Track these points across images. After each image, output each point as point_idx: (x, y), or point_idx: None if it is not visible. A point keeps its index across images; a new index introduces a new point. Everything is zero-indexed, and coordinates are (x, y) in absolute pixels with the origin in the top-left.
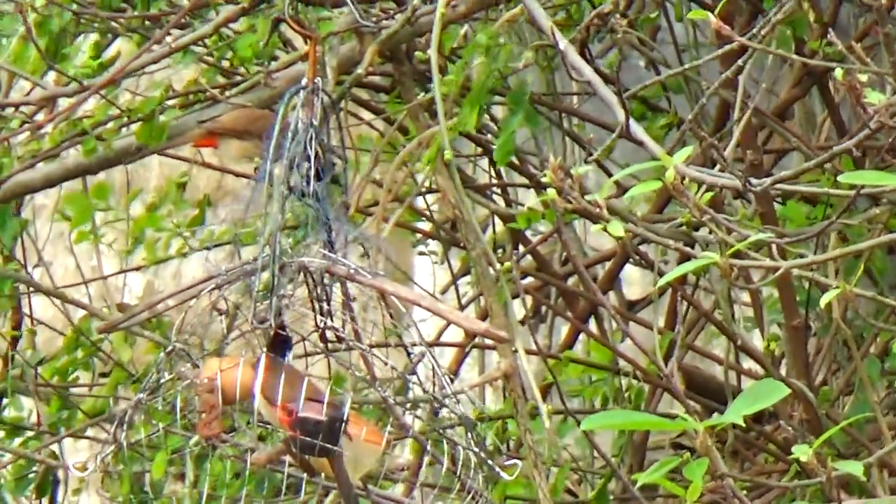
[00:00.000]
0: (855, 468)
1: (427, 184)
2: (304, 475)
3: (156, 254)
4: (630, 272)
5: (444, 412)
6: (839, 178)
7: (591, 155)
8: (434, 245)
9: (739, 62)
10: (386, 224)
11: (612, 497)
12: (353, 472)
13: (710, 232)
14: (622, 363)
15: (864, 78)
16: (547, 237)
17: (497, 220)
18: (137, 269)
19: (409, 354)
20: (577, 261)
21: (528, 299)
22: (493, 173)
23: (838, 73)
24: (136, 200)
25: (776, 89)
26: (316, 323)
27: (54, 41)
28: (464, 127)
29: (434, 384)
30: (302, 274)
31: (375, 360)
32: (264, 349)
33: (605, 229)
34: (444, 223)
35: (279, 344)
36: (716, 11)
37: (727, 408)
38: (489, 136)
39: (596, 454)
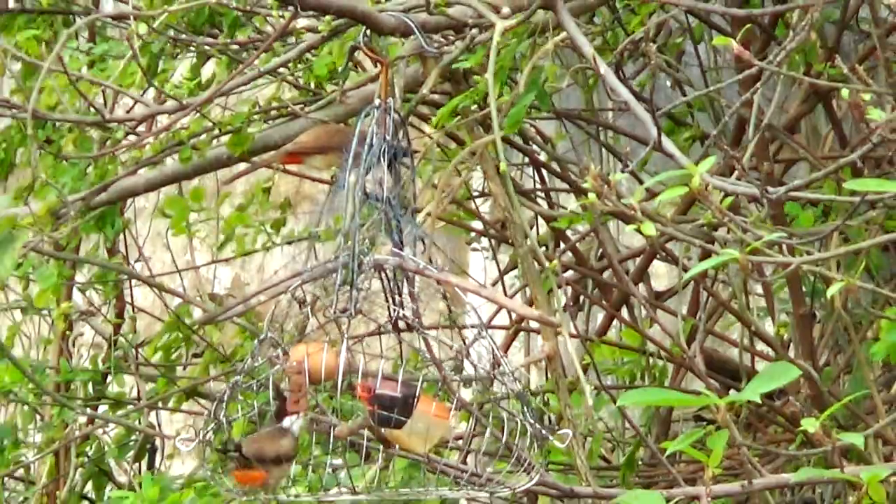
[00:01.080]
0: (856, 439)
1: (481, 188)
2: (381, 445)
3: (244, 247)
4: (657, 267)
5: (499, 388)
6: (845, 185)
7: (626, 165)
8: (486, 242)
9: (757, 85)
10: (439, 223)
11: (640, 463)
12: (423, 443)
13: (729, 232)
14: (651, 346)
15: (867, 97)
16: (585, 236)
17: (541, 220)
18: (226, 260)
19: (463, 340)
20: (612, 256)
21: (569, 290)
22: (537, 179)
23: (844, 92)
24: (225, 203)
25: (786, 106)
26: (389, 312)
27: (155, 62)
28: (517, 119)
29: (491, 363)
30: (376, 270)
31: (439, 344)
32: (346, 336)
33: (638, 229)
34: (495, 223)
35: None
36: (737, 38)
37: (742, 385)
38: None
39: (627, 425)
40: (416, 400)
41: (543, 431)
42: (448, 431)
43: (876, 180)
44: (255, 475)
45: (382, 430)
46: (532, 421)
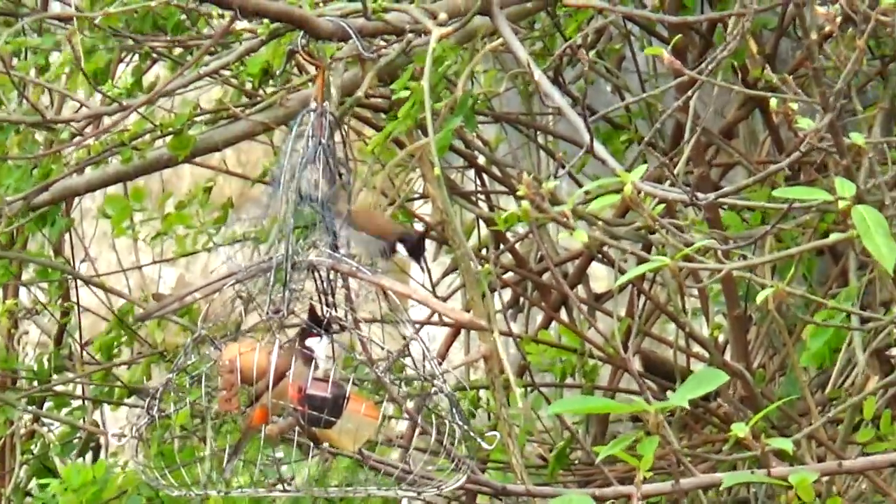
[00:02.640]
0: (785, 445)
1: (420, 190)
2: (311, 444)
3: (185, 247)
4: (597, 269)
5: (432, 390)
6: (774, 193)
7: (560, 168)
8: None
9: (689, 93)
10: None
11: (578, 462)
12: (353, 441)
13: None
14: (588, 346)
15: (795, 106)
16: (523, 238)
17: (481, 222)
18: (169, 260)
19: (404, 338)
20: (550, 259)
21: (508, 291)
22: (478, 182)
23: (773, 102)
24: (168, 203)
25: (723, 111)
26: (322, 313)
27: (104, 65)
28: (444, 144)
29: (424, 366)
30: (310, 270)
31: (374, 345)
32: (278, 336)
33: (572, 235)
34: (435, 225)
35: (304, 333)
36: (668, 48)
37: (677, 386)
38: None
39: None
40: (346, 400)
41: (472, 433)
42: (377, 430)
43: (804, 188)
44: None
45: (313, 429)
46: (461, 422)
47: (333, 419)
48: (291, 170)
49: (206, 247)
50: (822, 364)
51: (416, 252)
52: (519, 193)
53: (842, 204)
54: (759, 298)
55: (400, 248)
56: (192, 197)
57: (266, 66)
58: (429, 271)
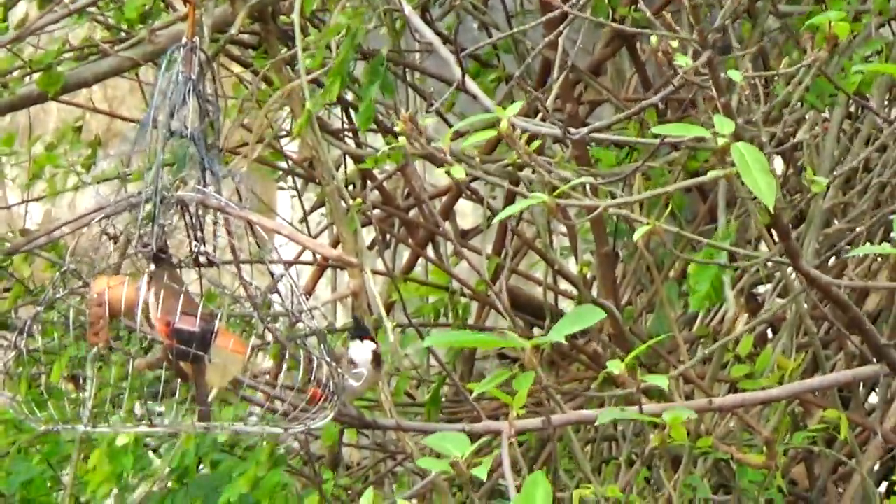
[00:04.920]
0: (661, 381)
1: (289, 127)
2: (179, 379)
3: (55, 188)
4: (463, 205)
5: (299, 325)
6: (651, 131)
7: (431, 105)
8: (293, 181)
9: (560, 28)
10: (252, 162)
11: (444, 399)
12: (221, 376)
13: (534, 172)
14: (456, 284)
15: (675, 44)
16: (391, 175)
17: (349, 159)
18: (38, 199)
19: (272, 275)
20: (420, 193)
21: (376, 228)
22: (345, 119)
23: (653, 39)
24: (37, 143)
25: (591, 49)
26: (191, 248)
27: None
28: (329, 98)
29: (292, 301)
30: (179, 205)
31: (239, 281)
32: (148, 270)
33: (448, 173)
34: (302, 162)
35: (162, 265)
36: None
37: (546, 324)
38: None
39: (433, 362)
40: (214, 335)
41: (339, 369)
42: (244, 365)
43: (680, 124)
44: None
45: (180, 363)
46: (329, 359)
47: (201, 354)
48: (161, 106)
49: (75, 186)
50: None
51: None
52: (396, 129)
53: (721, 141)
54: (637, 236)
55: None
56: (60, 136)
57: (142, 10)
58: (303, 208)
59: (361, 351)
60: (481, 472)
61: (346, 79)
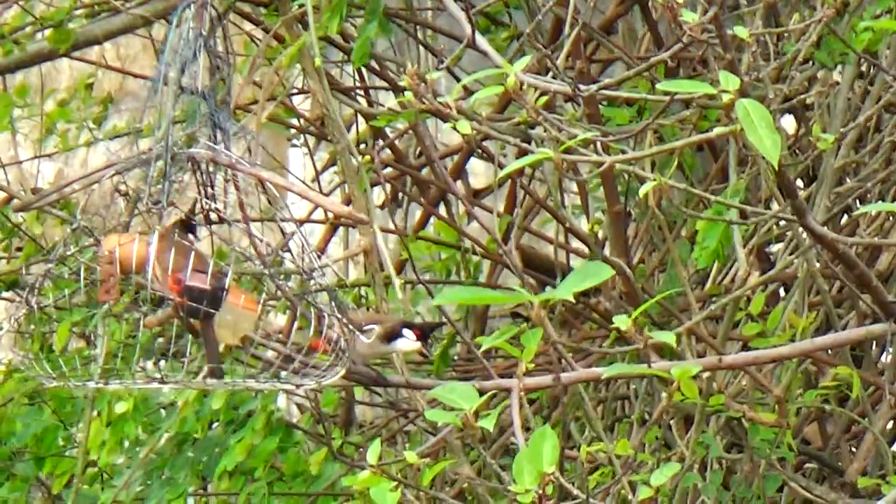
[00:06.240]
0: (668, 338)
1: (300, 85)
2: (190, 336)
3: (67, 143)
4: (475, 164)
5: (311, 282)
6: (658, 87)
7: (442, 62)
8: (305, 139)
9: None
10: (263, 119)
11: (457, 358)
12: (232, 334)
13: (545, 130)
14: (467, 242)
15: (680, 0)
16: (403, 133)
17: (360, 118)
18: (49, 155)
19: (283, 233)
20: (431, 152)
21: (387, 187)
22: (357, 77)
23: None
24: (49, 99)
25: (603, 7)
26: (202, 205)
27: None
28: (325, 31)
29: (303, 258)
30: (190, 163)
31: (251, 237)
32: (157, 227)
33: (454, 127)
34: (314, 120)
35: (185, 225)
36: None
37: (557, 282)
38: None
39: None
40: (224, 292)
41: (350, 326)
42: (255, 323)
43: (689, 81)
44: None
45: (191, 320)
46: (340, 316)
47: (212, 311)
48: (172, 62)
49: (87, 142)
50: (714, 261)
51: (425, 336)
52: (402, 84)
53: (725, 98)
54: (642, 192)
55: (407, 333)
56: (73, 92)
57: None
58: (314, 166)
59: (407, 343)
60: (488, 424)
61: (388, 28)
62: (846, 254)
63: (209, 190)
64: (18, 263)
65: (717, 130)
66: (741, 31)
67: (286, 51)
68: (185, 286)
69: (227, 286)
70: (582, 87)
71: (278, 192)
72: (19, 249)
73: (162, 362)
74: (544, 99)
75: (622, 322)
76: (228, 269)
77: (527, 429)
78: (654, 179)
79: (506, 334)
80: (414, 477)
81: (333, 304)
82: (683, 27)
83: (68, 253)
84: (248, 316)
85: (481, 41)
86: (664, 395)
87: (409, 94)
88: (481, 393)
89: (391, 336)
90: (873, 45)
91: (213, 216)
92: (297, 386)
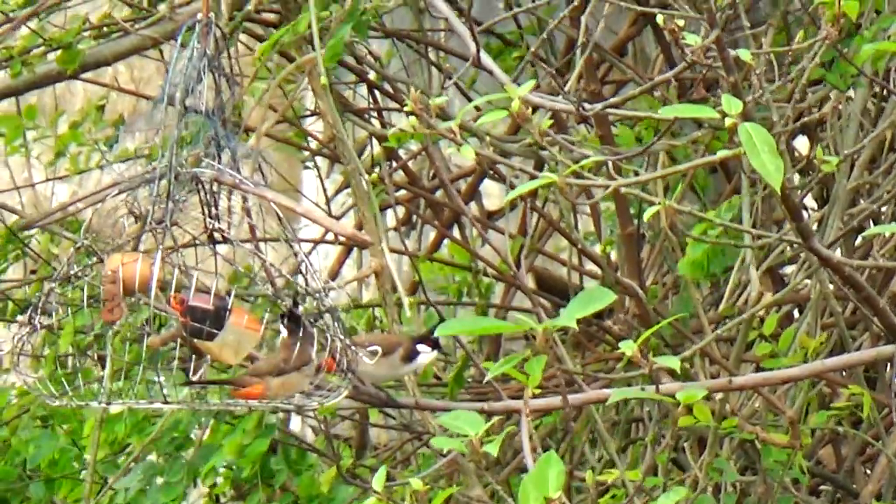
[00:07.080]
0: (672, 362)
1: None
2: (193, 355)
3: (78, 165)
4: (489, 186)
5: (314, 304)
6: (661, 111)
7: (447, 82)
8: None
9: (576, 2)
10: (263, 133)
11: (471, 381)
12: (234, 353)
13: (559, 150)
14: (481, 264)
15: (681, 23)
16: (415, 155)
17: (374, 140)
18: (62, 178)
19: (295, 254)
20: (443, 174)
21: (401, 209)
22: (370, 99)
23: (660, 18)
24: (61, 120)
25: (615, 27)
26: (205, 225)
27: None
28: (335, 52)
29: (306, 279)
30: (194, 182)
31: (259, 258)
32: (161, 247)
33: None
34: (327, 142)
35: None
36: None
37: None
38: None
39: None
40: (228, 312)
41: (353, 347)
42: (258, 343)
43: (691, 106)
44: (254, 391)
45: (195, 341)
46: (342, 336)
47: (215, 331)
48: (176, 82)
49: (98, 164)
50: (710, 277)
51: (437, 343)
52: (407, 109)
53: (728, 121)
54: (647, 215)
55: (422, 347)
56: (85, 114)
57: None
58: (323, 188)
59: (426, 357)
60: (493, 449)
61: (365, 30)
62: (853, 276)
63: (213, 209)
64: (34, 289)
65: (721, 154)
66: (744, 54)
67: (288, 67)
68: (189, 306)
69: (230, 306)
70: (587, 105)
71: (283, 213)
72: (34, 272)
73: (163, 379)
74: (549, 122)
75: (628, 347)
76: (231, 289)
77: (545, 449)
78: (660, 203)
79: (512, 361)
80: (422, 502)
81: (336, 325)
82: (685, 50)
83: (72, 272)
84: (251, 336)
85: (486, 60)
86: (675, 416)
87: (412, 119)
88: (490, 414)
89: (410, 356)
90: (874, 64)
91: (217, 236)
92: (300, 407)
